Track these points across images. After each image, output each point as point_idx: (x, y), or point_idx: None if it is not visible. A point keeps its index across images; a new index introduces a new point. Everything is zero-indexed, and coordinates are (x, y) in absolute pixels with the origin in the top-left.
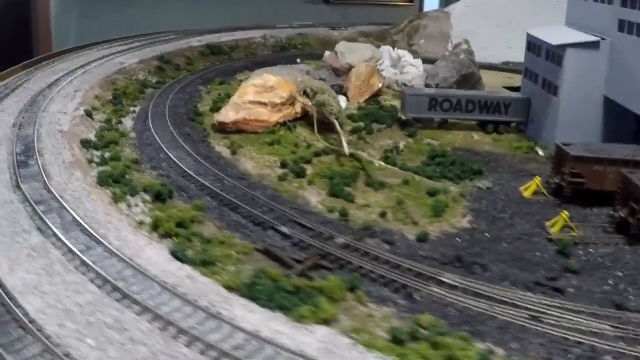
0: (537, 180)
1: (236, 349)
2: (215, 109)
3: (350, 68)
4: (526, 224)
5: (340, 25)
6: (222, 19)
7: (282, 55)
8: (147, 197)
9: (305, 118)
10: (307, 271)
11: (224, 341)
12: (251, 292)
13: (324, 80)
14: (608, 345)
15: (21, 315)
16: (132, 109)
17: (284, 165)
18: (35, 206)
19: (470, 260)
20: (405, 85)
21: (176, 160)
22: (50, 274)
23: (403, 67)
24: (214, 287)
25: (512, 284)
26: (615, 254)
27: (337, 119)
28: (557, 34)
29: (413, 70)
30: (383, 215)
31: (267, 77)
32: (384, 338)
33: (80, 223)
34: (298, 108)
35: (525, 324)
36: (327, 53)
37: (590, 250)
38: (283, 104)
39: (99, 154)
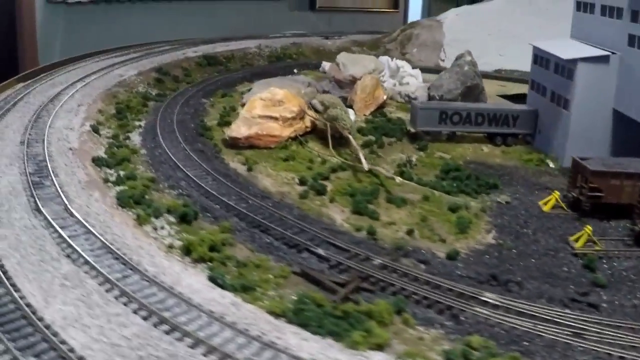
0: (556, 194)
1: None
2: (223, 123)
3: (354, 79)
4: (549, 238)
5: (327, 32)
6: (207, 29)
7: (278, 65)
8: (172, 219)
9: (313, 132)
10: (349, 294)
11: None
12: (299, 318)
13: (327, 92)
14: None
15: (67, 352)
16: (137, 123)
17: (302, 182)
18: (61, 231)
19: (505, 278)
20: (408, 96)
21: (195, 179)
22: (89, 305)
23: (402, 78)
24: (260, 314)
25: (548, 301)
26: (637, 266)
27: (349, 133)
28: (565, 48)
29: (412, 81)
30: (410, 232)
31: (274, 91)
32: None
33: (112, 249)
34: (308, 122)
35: (569, 341)
36: (325, 63)
37: (614, 263)
38: (293, 118)
39: (111, 171)
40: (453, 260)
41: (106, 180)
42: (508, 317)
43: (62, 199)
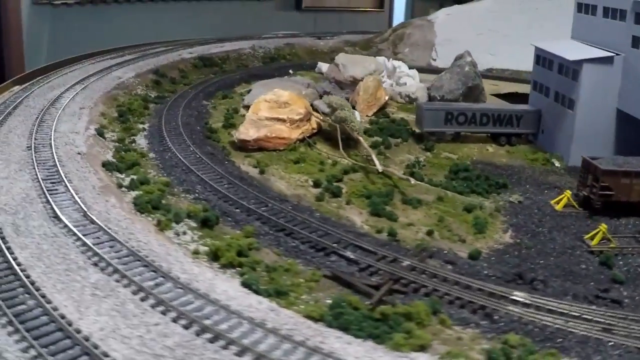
0: (568, 193)
1: None
2: (228, 125)
3: (354, 80)
4: (565, 237)
5: (313, 32)
6: (193, 29)
7: (272, 66)
8: (193, 224)
9: (319, 133)
10: (383, 297)
11: None
12: (339, 322)
13: (328, 93)
14: None
15: None
16: (140, 126)
17: (316, 184)
18: (85, 239)
19: (530, 276)
20: (409, 97)
21: (211, 183)
22: (125, 315)
23: (399, 78)
24: (299, 320)
25: (573, 298)
26: None
27: (359, 134)
28: (569, 49)
29: (409, 81)
30: (430, 233)
31: (278, 92)
32: None
33: (139, 256)
34: (314, 123)
35: (600, 337)
36: (321, 64)
37: (629, 260)
38: (301, 120)
39: (122, 176)
40: (475, 260)
41: (120, 185)
42: (540, 315)
43: (79, 205)
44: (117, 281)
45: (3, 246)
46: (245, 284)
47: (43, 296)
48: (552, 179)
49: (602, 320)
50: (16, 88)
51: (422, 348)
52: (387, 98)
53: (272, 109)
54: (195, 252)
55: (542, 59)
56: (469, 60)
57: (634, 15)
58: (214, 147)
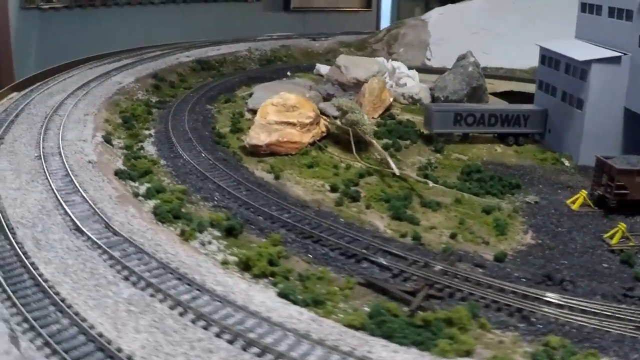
0: (584, 193)
1: None
2: (236, 130)
3: (358, 82)
4: (584, 236)
5: (302, 33)
6: (182, 32)
7: (270, 68)
8: (217, 232)
9: (327, 136)
10: (421, 302)
11: None
12: (382, 330)
13: (332, 95)
14: None
15: None
16: (146, 132)
17: (334, 189)
18: (111, 252)
19: (560, 277)
20: (412, 98)
21: (229, 190)
22: (166, 332)
23: (399, 79)
24: (342, 329)
25: (602, 297)
26: None
27: (372, 137)
28: (576, 49)
29: (409, 81)
30: (453, 236)
31: (285, 96)
32: None
33: (170, 268)
34: (323, 127)
35: (635, 335)
36: (319, 66)
37: None
38: (311, 124)
39: (136, 184)
40: (501, 262)
41: (136, 194)
42: (574, 315)
43: (100, 216)
44: (152, 296)
45: (27, 262)
46: (282, 294)
47: (76, 314)
48: (563, 179)
49: (634, 318)
50: (15, 95)
51: (467, 353)
52: (391, 100)
53: (280, 113)
54: (224, 263)
55: (548, 58)
56: (472, 61)
57: None
58: (225, 153)
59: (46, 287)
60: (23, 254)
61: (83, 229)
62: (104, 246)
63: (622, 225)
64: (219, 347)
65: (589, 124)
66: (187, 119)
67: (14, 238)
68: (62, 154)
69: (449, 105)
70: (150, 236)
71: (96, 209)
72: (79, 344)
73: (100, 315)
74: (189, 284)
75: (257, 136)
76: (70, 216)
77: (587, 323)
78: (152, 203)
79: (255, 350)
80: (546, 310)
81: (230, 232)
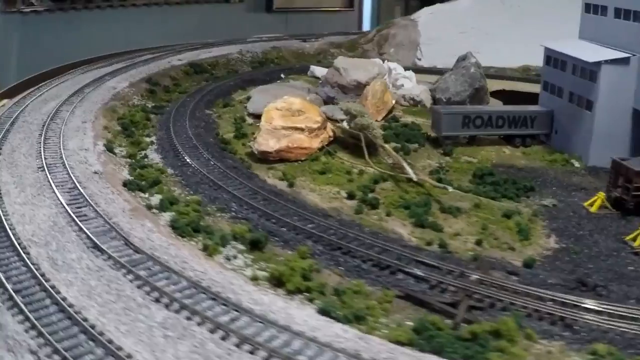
0: (601, 195)
1: None
2: (240, 135)
3: (358, 84)
4: (606, 239)
5: (285, 33)
6: (164, 34)
7: (262, 70)
8: (241, 246)
9: (334, 141)
10: (464, 314)
11: None
12: (431, 345)
13: (332, 98)
14: None
15: None
16: (147, 139)
17: (350, 196)
18: (137, 271)
19: (593, 282)
20: (413, 100)
21: (246, 199)
22: (209, 359)
23: (396, 80)
24: (391, 346)
25: (637, 302)
26: None
27: (384, 141)
28: (584, 50)
29: (407, 83)
30: (479, 243)
31: (289, 100)
32: None
33: (202, 287)
34: (330, 131)
35: None
36: (314, 67)
37: None
38: (319, 128)
39: (146, 195)
40: (530, 268)
41: (149, 207)
42: (615, 321)
43: (116, 232)
44: (188, 319)
45: (47, 285)
46: (323, 311)
47: (110, 342)
48: (575, 180)
49: None
50: (6, 101)
51: None
52: (394, 102)
53: (286, 118)
54: (254, 278)
55: (554, 59)
56: (474, 62)
57: None
58: (233, 160)
59: (72, 312)
60: (41, 276)
61: (102, 246)
62: (127, 265)
63: None
64: None
65: (598, 125)
66: (189, 125)
67: (28, 258)
68: (67, 165)
69: (457, 108)
70: (174, 252)
71: (112, 224)
72: None
73: (135, 343)
74: (224, 304)
75: (266, 142)
76: (85, 232)
77: (628, 329)
78: (167, 215)
79: None
80: (587, 317)
81: (255, 245)
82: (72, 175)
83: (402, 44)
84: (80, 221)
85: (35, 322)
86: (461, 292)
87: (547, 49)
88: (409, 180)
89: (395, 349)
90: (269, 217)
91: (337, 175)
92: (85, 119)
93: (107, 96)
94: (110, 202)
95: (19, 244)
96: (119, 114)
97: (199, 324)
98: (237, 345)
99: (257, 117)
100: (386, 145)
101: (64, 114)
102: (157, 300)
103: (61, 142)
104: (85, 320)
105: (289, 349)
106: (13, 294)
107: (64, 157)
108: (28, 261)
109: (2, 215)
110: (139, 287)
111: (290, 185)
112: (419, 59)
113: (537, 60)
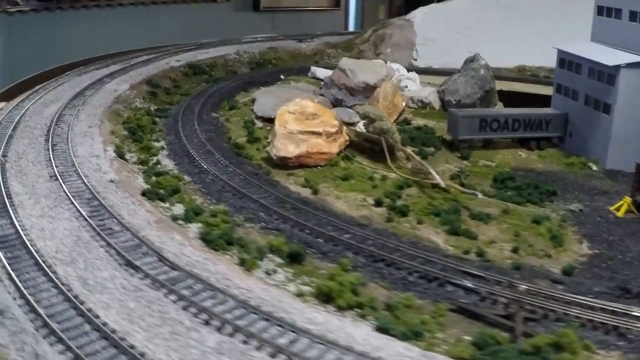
0: (627, 199)
1: None
2: (253, 139)
3: (367, 86)
4: (637, 244)
5: (273, 34)
6: (152, 34)
7: (261, 71)
8: (278, 259)
9: (350, 145)
10: (523, 327)
11: None
12: None
13: (341, 100)
14: None
15: None
16: (156, 144)
17: (378, 203)
18: (179, 291)
19: (637, 289)
20: (422, 102)
21: (275, 209)
22: None
23: (399, 81)
24: None
25: None
26: None
27: (404, 146)
28: (600, 53)
29: (410, 84)
30: (515, 251)
31: (302, 103)
32: None
33: (252, 306)
34: (346, 135)
35: None
36: (315, 68)
37: None
38: (336, 133)
39: (167, 205)
40: (570, 275)
41: (175, 218)
42: None
43: (147, 247)
44: (245, 342)
45: (83, 308)
46: (381, 329)
47: None
48: (596, 184)
49: None
50: (3, 104)
51: None
52: (404, 104)
53: (300, 121)
54: (299, 294)
55: (568, 62)
56: (484, 64)
57: None
58: (251, 166)
59: (117, 339)
60: (74, 298)
61: (135, 263)
62: (167, 284)
63: None
64: None
65: (616, 128)
66: (199, 129)
67: (57, 278)
68: (80, 173)
69: (474, 111)
70: (213, 268)
71: (140, 238)
72: None
73: None
74: (279, 325)
75: (285, 148)
76: (115, 248)
77: None
78: (194, 227)
79: None
80: (638, 325)
81: (294, 259)
82: (88, 185)
83: (398, 44)
84: (107, 236)
85: (78, 351)
86: (513, 303)
87: (560, 52)
88: (434, 186)
89: None
90: (302, 227)
91: (360, 182)
92: (90, 123)
93: (110, 99)
94: (133, 213)
95: (43, 262)
96: (124, 118)
97: (257, 348)
98: None
99: (266, 120)
100: (409, 150)
101: (68, 117)
102: (206, 323)
103: (70, 149)
104: (133, 347)
105: None
106: (47, 319)
107: (76, 164)
108: (58, 282)
109: (20, 230)
110: (184, 308)
111: (315, 192)
112: (415, 59)
113: (532, 60)
